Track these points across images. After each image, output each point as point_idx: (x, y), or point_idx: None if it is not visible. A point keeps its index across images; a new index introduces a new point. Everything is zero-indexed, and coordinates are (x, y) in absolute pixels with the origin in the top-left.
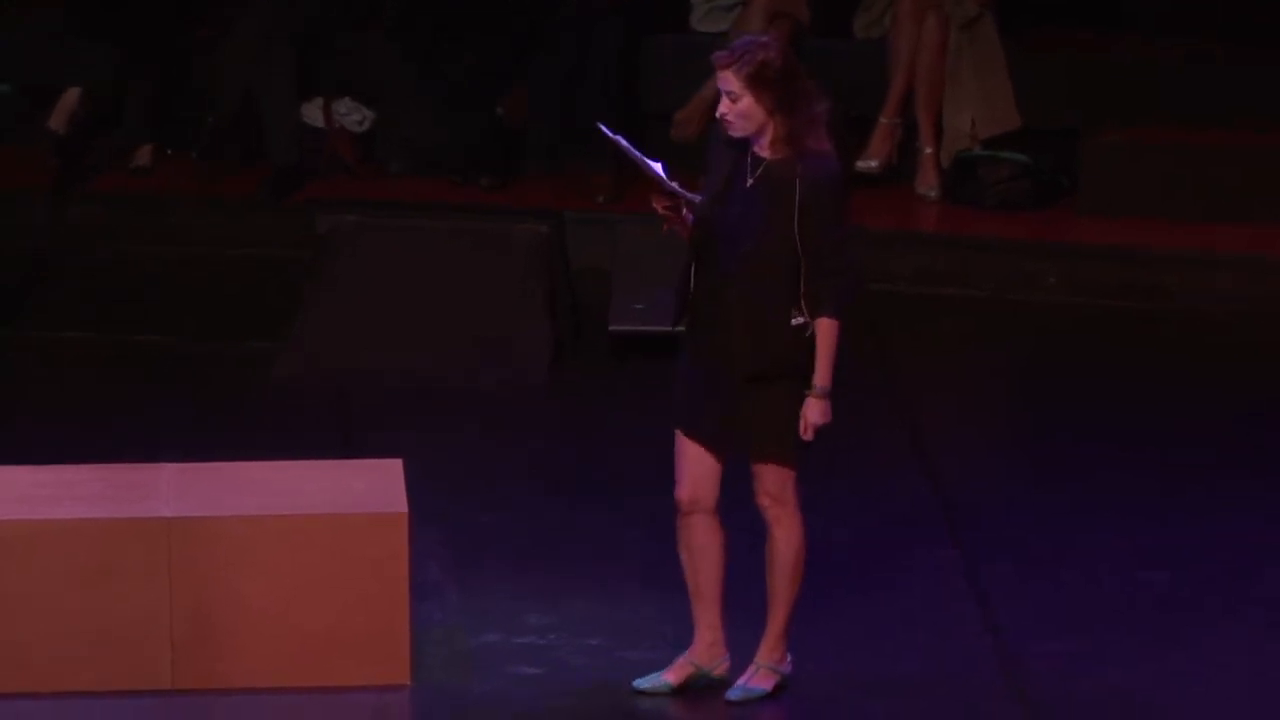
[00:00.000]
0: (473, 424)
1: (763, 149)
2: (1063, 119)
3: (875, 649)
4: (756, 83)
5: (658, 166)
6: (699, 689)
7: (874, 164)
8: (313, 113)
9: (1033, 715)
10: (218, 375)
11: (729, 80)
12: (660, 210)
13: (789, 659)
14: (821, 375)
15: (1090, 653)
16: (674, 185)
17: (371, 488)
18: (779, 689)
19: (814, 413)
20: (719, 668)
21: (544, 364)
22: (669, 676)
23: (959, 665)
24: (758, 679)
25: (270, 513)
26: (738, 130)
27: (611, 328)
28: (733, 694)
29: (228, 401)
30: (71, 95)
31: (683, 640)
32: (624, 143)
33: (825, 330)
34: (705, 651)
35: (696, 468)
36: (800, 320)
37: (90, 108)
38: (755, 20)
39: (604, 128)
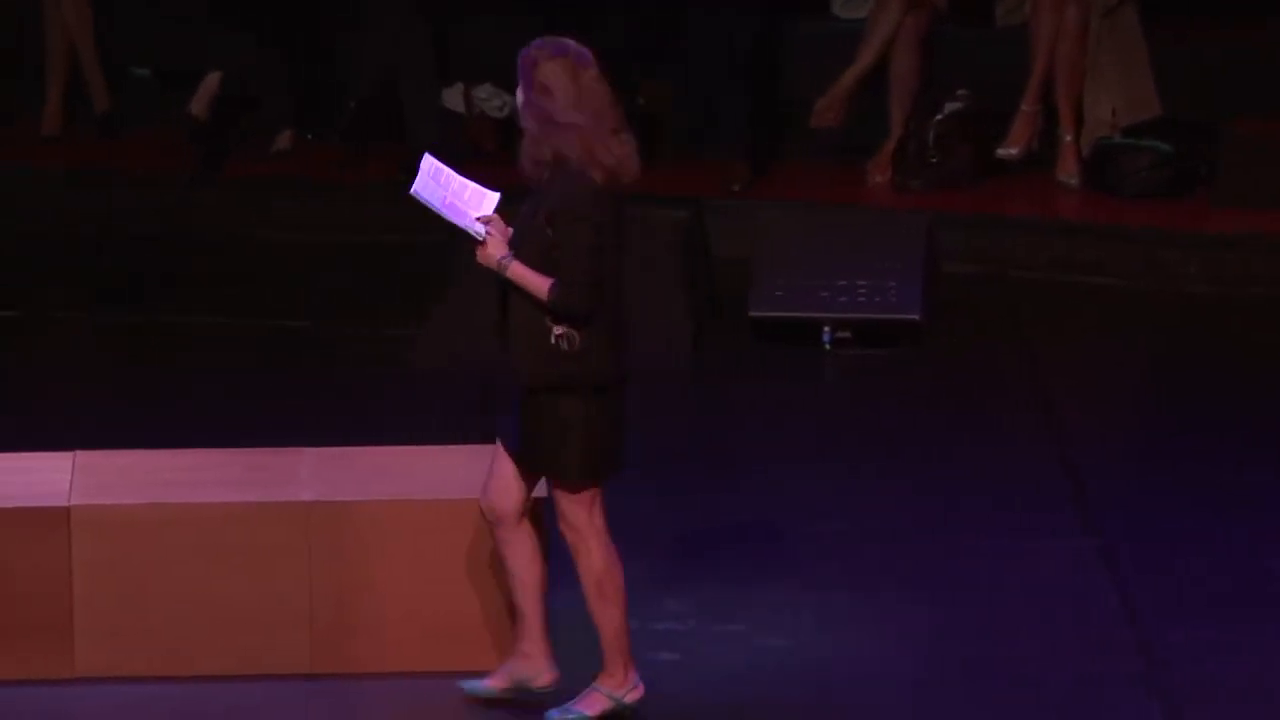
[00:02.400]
0: None
1: (530, 158)
2: (1203, 108)
3: (1009, 636)
4: (534, 90)
5: (493, 199)
6: (525, 700)
7: (1014, 151)
8: (453, 98)
9: (1170, 704)
10: (357, 361)
11: (519, 95)
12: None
13: (633, 686)
14: (518, 268)
15: (1228, 642)
16: (484, 231)
17: None
18: (610, 716)
19: (486, 248)
20: (538, 679)
21: (684, 350)
22: (491, 682)
23: (1095, 653)
24: (584, 702)
25: (408, 498)
26: (527, 129)
27: (752, 313)
28: (552, 713)
29: (367, 387)
30: (212, 80)
31: (822, 625)
32: (433, 203)
33: (527, 275)
34: (522, 663)
35: (495, 480)
36: (559, 332)
37: (231, 92)
38: (893, 7)
39: (417, 193)
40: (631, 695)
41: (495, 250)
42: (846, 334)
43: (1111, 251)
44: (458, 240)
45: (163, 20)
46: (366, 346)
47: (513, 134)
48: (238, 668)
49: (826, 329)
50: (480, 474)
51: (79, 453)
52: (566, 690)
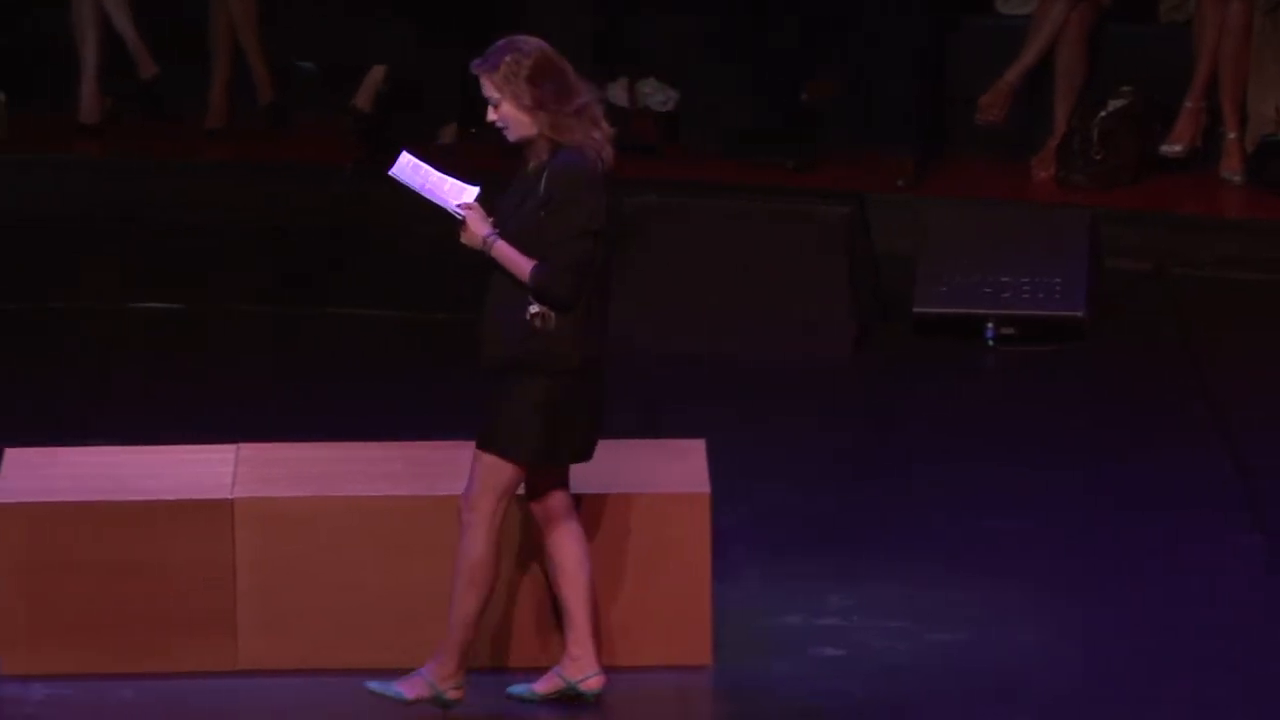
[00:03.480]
0: (776, 404)
1: (530, 148)
2: None
3: (1178, 633)
4: (508, 84)
5: (472, 192)
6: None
7: (1178, 148)
8: (617, 93)
9: None
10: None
11: (486, 87)
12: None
13: (457, 685)
14: (502, 247)
15: None
16: (462, 211)
17: (674, 468)
18: (419, 703)
19: (469, 227)
20: (587, 682)
21: (847, 345)
22: (538, 686)
23: (1268, 652)
24: (406, 683)
25: (574, 491)
26: (510, 135)
27: (915, 309)
28: (371, 684)
29: None
30: (376, 73)
31: (987, 621)
32: (413, 184)
33: (511, 255)
34: (570, 666)
35: (533, 483)
36: (535, 310)
37: (395, 85)
38: (1059, 3)
39: (395, 174)
40: (453, 692)
41: (479, 229)
42: (1010, 330)
43: (1276, 248)
44: (620, 234)
45: (328, 13)
46: None
47: (676, 128)
48: (398, 661)
49: (990, 325)
50: (642, 469)
51: (243, 445)
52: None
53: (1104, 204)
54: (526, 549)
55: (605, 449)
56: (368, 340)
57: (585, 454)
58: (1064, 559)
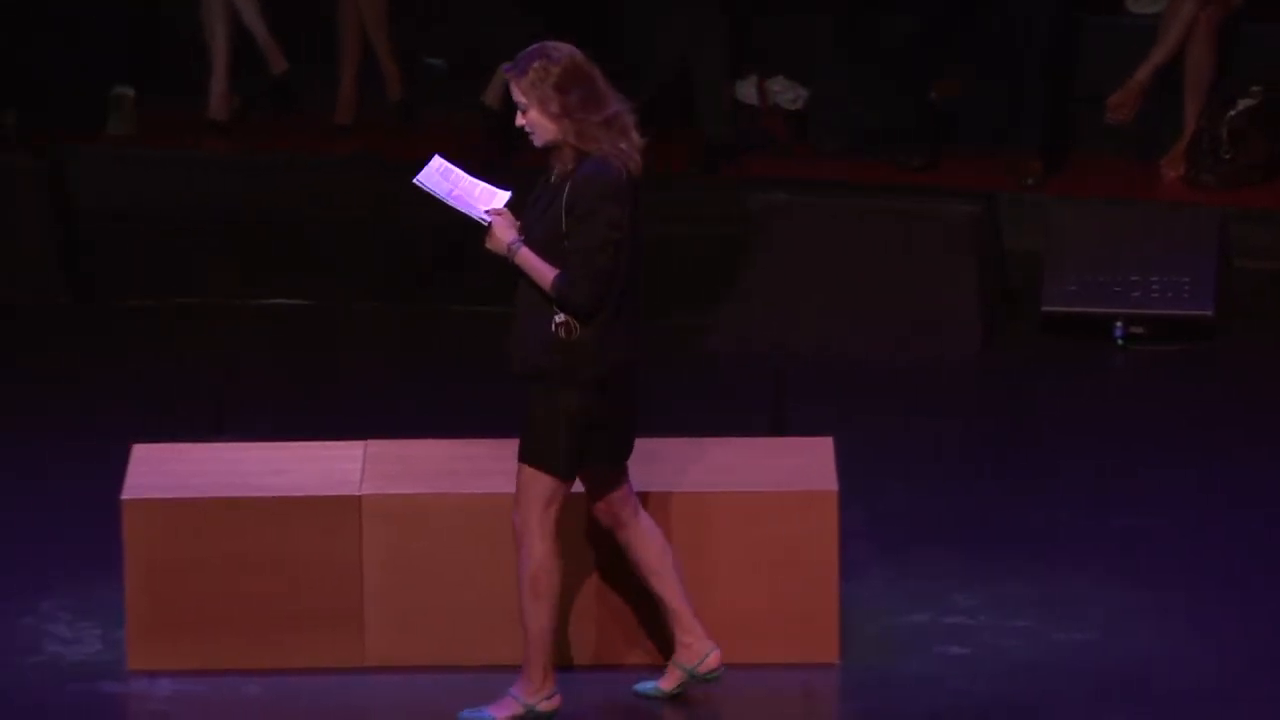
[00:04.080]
0: (903, 402)
1: (556, 154)
2: None
3: None
4: (535, 90)
5: (503, 197)
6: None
7: None
8: (747, 90)
9: None
10: (649, 350)
11: (515, 92)
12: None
13: (549, 695)
14: (526, 254)
15: None
16: (489, 218)
17: (801, 465)
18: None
19: (494, 234)
20: (704, 664)
21: (975, 343)
22: (663, 683)
23: None
24: (496, 705)
25: (700, 489)
26: (537, 140)
27: (1044, 308)
28: (464, 714)
29: (656, 377)
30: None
31: (1112, 620)
32: (438, 193)
33: (535, 262)
34: (684, 654)
35: (590, 488)
36: (560, 320)
37: None
38: (1188, 2)
39: (421, 183)
40: (546, 704)
41: (504, 235)
42: (1138, 329)
43: None
44: (748, 231)
45: (457, 9)
46: (657, 336)
47: (805, 126)
48: (517, 656)
49: (1118, 324)
50: (769, 466)
51: (370, 442)
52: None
53: (1233, 204)
54: (580, 551)
55: (732, 447)
56: (491, 336)
57: (621, 458)
58: (1188, 557)
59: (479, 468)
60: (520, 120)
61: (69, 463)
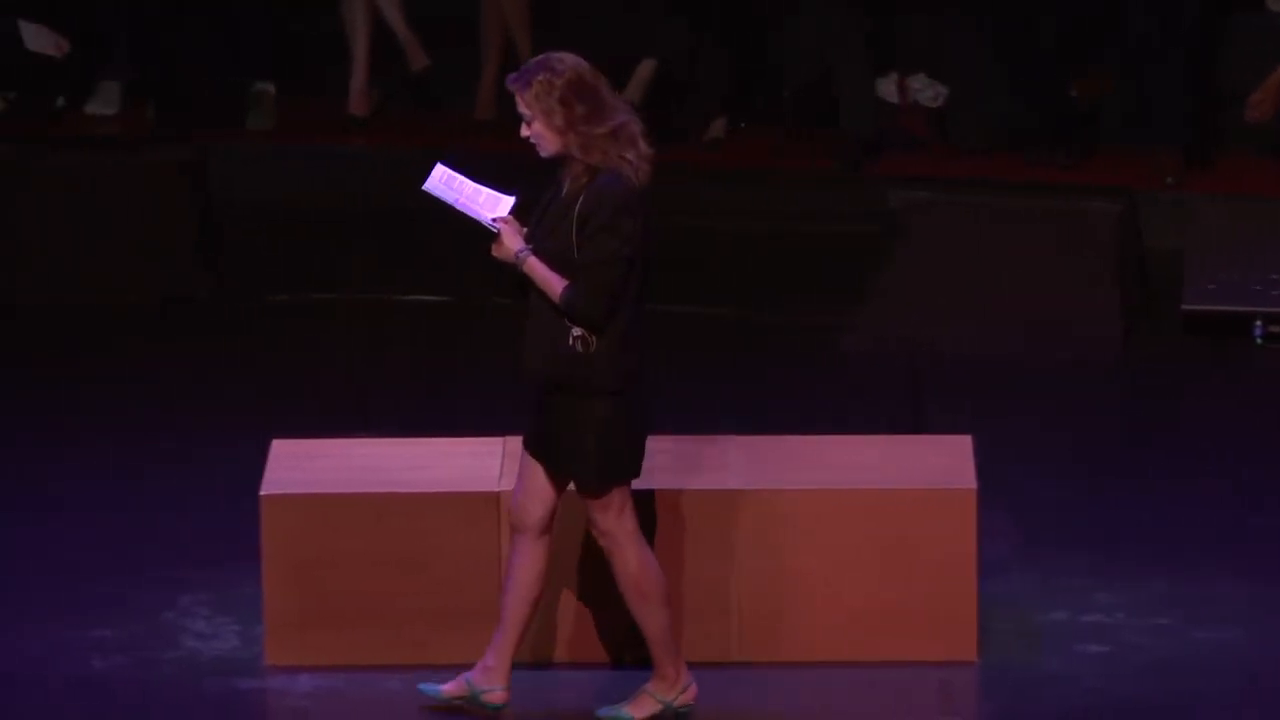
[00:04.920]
0: (1042, 400)
1: (566, 167)
2: None
3: None
4: (539, 103)
5: (508, 203)
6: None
7: None
8: (887, 88)
9: None
10: (786, 348)
11: (519, 103)
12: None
13: (684, 688)
14: (535, 263)
15: None
16: (497, 224)
17: (940, 463)
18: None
19: (502, 241)
20: (491, 695)
21: (1115, 341)
22: (447, 688)
23: None
24: (633, 704)
25: (838, 487)
26: (542, 152)
27: (1184, 306)
28: (602, 711)
29: (795, 374)
30: (646, 67)
31: (1254, 619)
32: (446, 198)
33: (544, 272)
34: (480, 675)
35: (525, 487)
36: (578, 333)
37: (664, 80)
38: None
39: (430, 189)
40: (683, 698)
41: (511, 243)
42: (1278, 328)
43: None
44: (889, 229)
45: (598, 6)
46: (798, 333)
47: (945, 124)
48: None
49: (1258, 323)
50: (908, 464)
51: (509, 438)
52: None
53: None
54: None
55: (871, 445)
56: None
57: (637, 473)
58: None
59: None
60: (525, 132)
61: (208, 458)
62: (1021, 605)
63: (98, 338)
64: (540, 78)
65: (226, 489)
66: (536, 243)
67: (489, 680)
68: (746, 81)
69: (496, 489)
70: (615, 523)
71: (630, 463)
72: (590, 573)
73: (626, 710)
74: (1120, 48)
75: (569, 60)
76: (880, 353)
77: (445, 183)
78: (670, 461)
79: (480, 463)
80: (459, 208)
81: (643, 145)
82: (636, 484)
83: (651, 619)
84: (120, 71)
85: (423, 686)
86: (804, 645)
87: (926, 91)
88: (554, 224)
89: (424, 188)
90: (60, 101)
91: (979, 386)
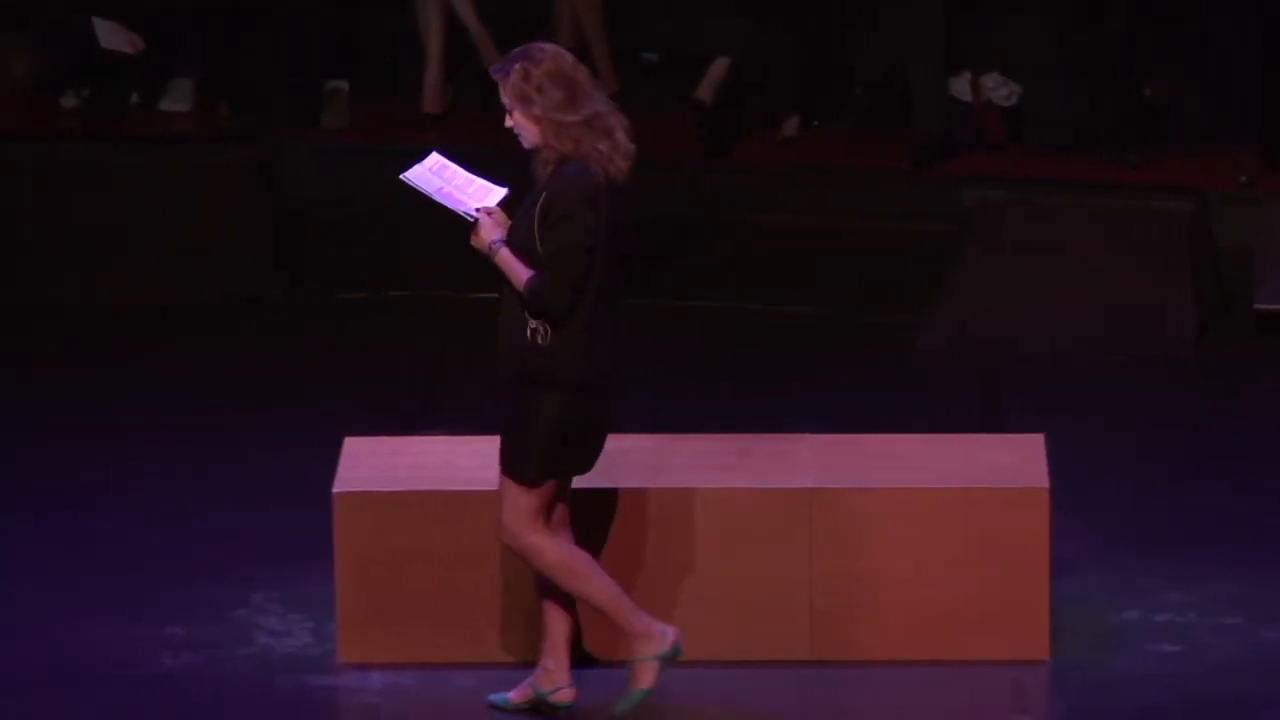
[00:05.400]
0: (1116, 399)
1: (537, 157)
2: None
3: None
4: (516, 91)
5: (498, 195)
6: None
7: None
8: (960, 86)
9: None
10: (859, 347)
11: (501, 93)
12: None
13: (662, 634)
14: (505, 255)
15: None
16: (474, 215)
17: (1013, 462)
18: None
19: (478, 231)
20: (557, 694)
21: (1188, 341)
22: (513, 695)
23: None
24: (634, 679)
25: (911, 485)
26: (525, 142)
27: (1257, 306)
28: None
29: (869, 373)
30: (719, 66)
31: None
32: (426, 189)
33: (512, 264)
34: (541, 677)
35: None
36: (534, 324)
37: (737, 78)
38: None
39: (406, 178)
40: (663, 643)
41: (486, 235)
42: None
43: None
44: (962, 228)
45: (672, 4)
46: (870, 332)
47: (1019, 123)
48: (736, 653)
49: None
50: (981, 463)
51: None
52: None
53: None
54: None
55: (944, 443)
56: (704, 331)
57: (586, 468)
58: None
59: (688, 463)
60: (508, 122)
61: (281, 455)
62: (1093, 604)
63: (170, 337)
64: (518, 66)
65: (299, 486)
66: (509, 234)
67: (552, 681)
68: (819, 80)
69: (571, 487)
70: (531, 524)
71: (563, 464)
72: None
73: (634, 689)
74: (1193, 46)
75: (550, 49)
76: (953, 352)
77: (436, 171)
78: (745, 461)
79: None
80: (438, 198)
81: (620, 138)
82: (704, 482)
83: (593, 591)
84: (193, 69)
85: (491, 698)
86: (877, 644)
87: (1000, 90)
88: (523, 215)
89: (402, 177)
90: (133, 99)
91: (1051, 385)
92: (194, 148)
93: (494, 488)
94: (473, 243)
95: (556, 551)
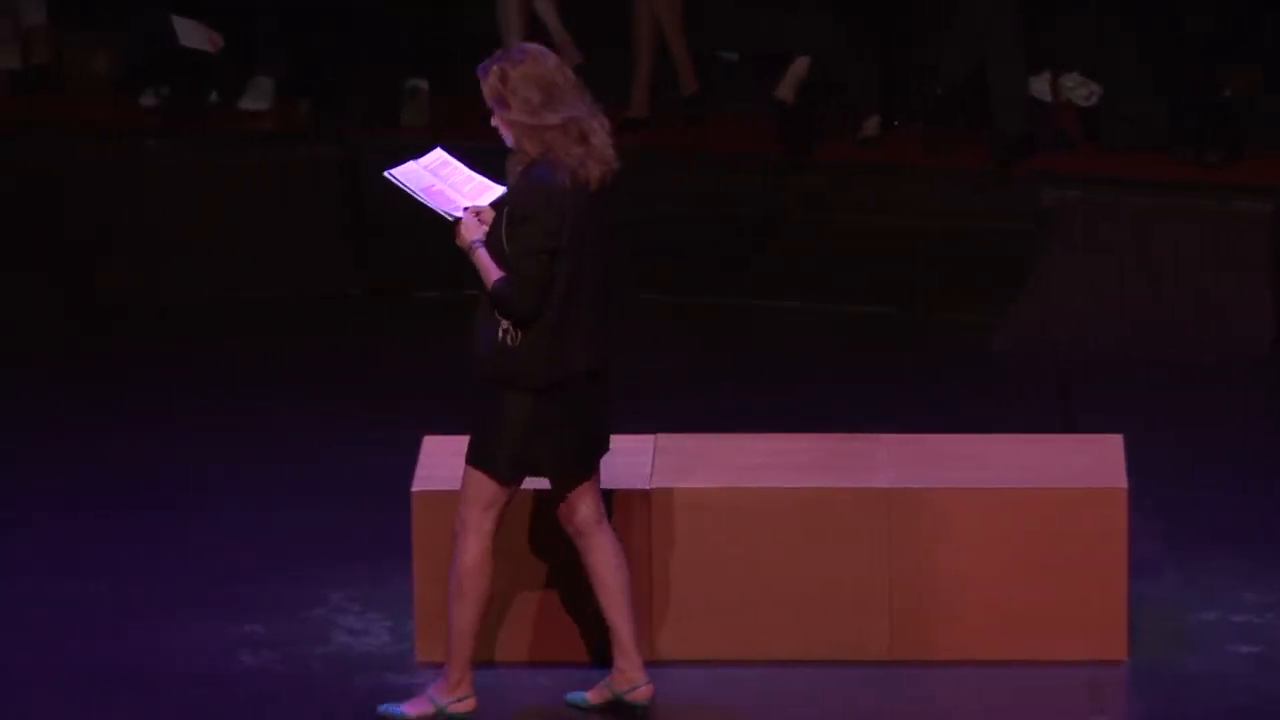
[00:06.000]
0: (1192, 398)
1: (510, 159)
2: None
3: None
4: (494, 93)
5: (495, 193)
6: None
7: None
8: (1040, 86)
9: None
10: (936, 346)
11: (484, 94)
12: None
13: (462, 698)
14: (482, 255)
15: None
16: (454, 214)
17: (1091, 462)
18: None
19: (460, 228)
20: (633, 693)
21: (1265, 342)
22: (591, 695)
23: None
24: (410, 703)
25: (988, 485)
26: (506, 141)
27: None
28: (382, 707)
29: (946, 373)
30: (800, 64)
31: None
32: (410, 186)
33: (486, 264)
34: (616, 677)
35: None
36: (505, 326)
37: (818, 77)
38: None
39: (391, 174)
40: (457, 706)
41: (467, 234)
42: None
43: None
44: (1041, 228)
45: (752, 4)
46: (949, 332)
47: (1098, 123)
48: (814, 653)
49: None
50: (1059, 463)
51: (660, 435)
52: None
53: None
54: (523, 548)
55: (1022, 443)
56: (784, 331)
57: (567, 468)
58: None
59: (767, 462)
60: (493, 121)
61: (360, 454)
62: (1171, 605)
63: (249, 335)
64: (496, 68)
65: (378, 485)
66: (487, 236)
67: (626, 680)
68: (900, 79)
69: (647, 486)
70: (478, 515)
71: (546, 461)
72: (564, 572)
73: (401, 708)
74: (1272, 46)
75: (531, 50)
76: (1031, 352)
77: (434, 169)
78: (821, 460)
79: (632, 460)
80: (422, 195)
81: (595, 143)
82: (782, 482)
83: (459, 616)
84: (273, 68)
85: (569, 697)
86: (955, 644)
87: (1079, 90)
88: (495, 217)
89: (386, 173)
90: (213, 97)
91: (1129, 385)
92: (273, 146)
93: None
94: (456, 242)
95: (470, 562)
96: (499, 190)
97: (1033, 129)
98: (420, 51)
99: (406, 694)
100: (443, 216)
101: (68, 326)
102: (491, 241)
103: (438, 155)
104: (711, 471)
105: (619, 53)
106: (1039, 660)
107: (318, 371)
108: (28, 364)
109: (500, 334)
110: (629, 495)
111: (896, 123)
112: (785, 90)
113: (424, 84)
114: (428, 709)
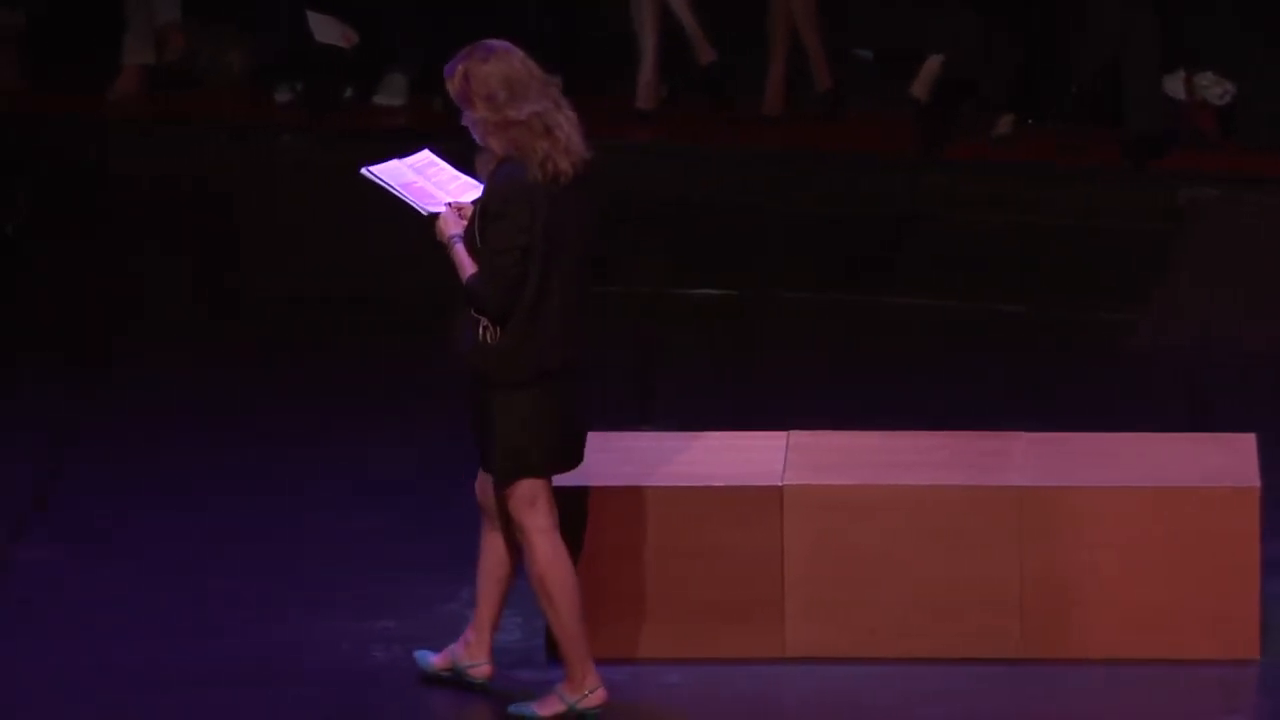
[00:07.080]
0: None
1: (479, 156)
2: None
3: None
4: (459, 89)
5: (476, 191)
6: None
7: None
8: (1174, 85)
9: None
10: (1071, 345)
11: (450, 91)
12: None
13: (590, 691)
14: (459, 251)
15: None
16: (430, 210)
17: (1224, 461)
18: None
19: (438, 225)
20: (474, 670)
21: None
22: (436, 659)
23: None
24: (540, 703)
25: (1122, 484)
26: (476, 138)
27: None
28: (511, 708)
29: (1080, 371)
30: (934, 63)
31: None
32: (390, 183)
33: (462, 260)
34: (462, 649)
35: (482, 473)
36: (485, 323)
37: (952, 75)
38: None
39: (368, 171)
40: (587, 701)
41: (446, 229)
42: None
43: None
44: (1176, 226)
45: (888, 2)
46: (1082, 330)
47: (1233, 122)
48: (945, 651)
49: None
50: (1192, 462)
51: (793, 433)
52: None
53: None
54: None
55: (1153, 442)
56: (919, 329)
57: (568, 465)
58: None
59: (900, 460)
60: (463, 120)
61: None
62: None
63: (373, 330)
64: (461, 66)
65: None
66: (464, 233)
67: (471, 656)
68: (1034, 78)
69: (779, 483)
70: (526, 516)
71: (538, 459)
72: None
73: (533, 708)
74: None
75: (498, 47)
76: (1164, 350)
77: (420, 168)
78: (954, 458)
79: (764, 457)
80: (400, 191)
81: (561, 136)
82: (916, 480)
83: (555, 619)
84: (407, 64)
85: (417, 653)
86: (1086, 643)
87: (1214, 89)
88: (471, 214)
89: (363, 170)
90: (347, 93)
91: (1264, 384)
92: (407, 142)
93: (703, 484)
94: (437, 236)
95: (544, 562)
96: (479, 190)
97: (1167, 127)
98: (556, 47)
99: (537, 690)
100: (418, 211)
101: (204, 315)
102: (467, 239)
103: (425, 156)
104: (844, 469)
105: (754, 50)
106: (1170, 659)
107: (441, 366)
108: (169, 350)
109: (480, 331)
110: (761, 492)
111: (1030, 121)
112: (919, 88)
113: (558, 80)
114: (559, 707)
